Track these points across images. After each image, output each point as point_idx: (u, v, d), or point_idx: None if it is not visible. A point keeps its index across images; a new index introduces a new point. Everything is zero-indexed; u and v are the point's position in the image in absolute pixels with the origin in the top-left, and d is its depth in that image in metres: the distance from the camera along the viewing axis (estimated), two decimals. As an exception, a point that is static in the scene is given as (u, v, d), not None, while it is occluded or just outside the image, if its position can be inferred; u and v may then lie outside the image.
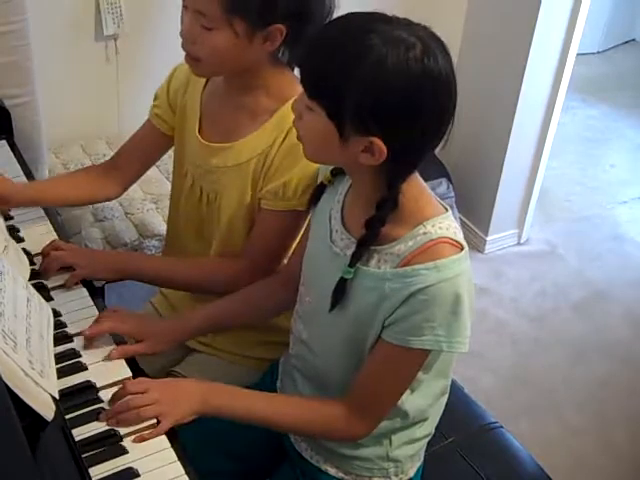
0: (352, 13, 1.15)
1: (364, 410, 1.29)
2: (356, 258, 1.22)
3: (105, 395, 1.26)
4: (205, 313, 1.51)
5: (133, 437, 1.20)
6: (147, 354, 1.41)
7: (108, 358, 1.34)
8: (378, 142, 1.11)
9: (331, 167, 1.35)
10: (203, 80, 1.59)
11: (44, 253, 1.51)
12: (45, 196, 1.66)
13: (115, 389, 1.27)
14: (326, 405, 1.31)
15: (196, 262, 1.64)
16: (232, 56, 1.42)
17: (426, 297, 1.17)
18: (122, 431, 1.20)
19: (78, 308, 1.43)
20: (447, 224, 1.21)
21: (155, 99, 1.66)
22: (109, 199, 1.77)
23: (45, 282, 1.47)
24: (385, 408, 1.30)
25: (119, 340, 1.38)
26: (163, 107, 1.64)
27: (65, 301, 1.44)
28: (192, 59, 1.45)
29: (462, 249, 1.20)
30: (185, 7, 1.42)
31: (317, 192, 1.38)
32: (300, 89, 1.18)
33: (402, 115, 1.10)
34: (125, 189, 1.73)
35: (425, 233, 1.19)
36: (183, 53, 1.63)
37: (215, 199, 1.57)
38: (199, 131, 1.58)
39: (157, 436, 1.20)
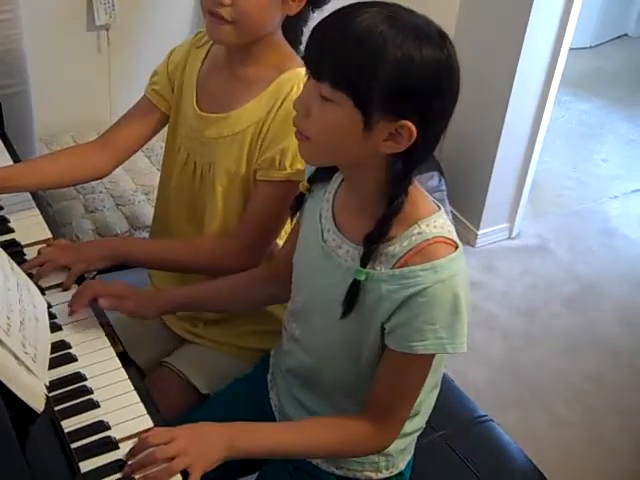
0: (351, 4, 1.14)
1: (385, 420, 1.28)
2: (367, 257, 1.20)
3: (95, 384, 1.26)
4: (188, 290, 1.52)
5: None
6: (130, 313, 1.42)
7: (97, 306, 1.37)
8: (408, 124, 1.11)
9: (309, 176, 1.34)
10: (201, 57, 1.61)
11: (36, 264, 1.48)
12: (21, 175, 1.60)
13: (104, 381, 1.27)
14: (349, 423, 1.29)
15: (185, 240, 1.65)
16: (265, 15, 1.45)
17: (425, 299, 1.16)
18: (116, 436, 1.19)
19: (66, 300, 1.42)
20: (441, 223, 1.21)
21: (153, 76, 1.67)
22: (99, 177, 1.73)
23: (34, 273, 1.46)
24: (403, 414, 1.30)
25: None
26: (162, 83, 1.64)
27: (53, 292, 1.44)
28: (224, 22, 1.43)
29: (457, 248, 1.20)
30: None
31: (297, 202, 1.37)
32: (296, 64, 1.16)
33: (432, 92, 1.11)
34: (115, 166, 1.70)
35: (420, 233, 1.18)
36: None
37: (209, 170, 1.57)
38: (196, 104, 1.58)
39: None
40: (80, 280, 1.48)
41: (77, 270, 1.48)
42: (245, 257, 1.54)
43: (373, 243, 1.19)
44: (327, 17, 1.16)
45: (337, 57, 1.11)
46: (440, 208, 1.25)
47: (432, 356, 1.23)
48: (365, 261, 1.20)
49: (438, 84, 1.11)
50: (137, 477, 1.14)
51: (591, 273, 3.10)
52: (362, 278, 1.20)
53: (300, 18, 1.53)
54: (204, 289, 1.53)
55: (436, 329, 1.17)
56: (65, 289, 1.45)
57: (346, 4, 1.14)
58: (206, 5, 1.45)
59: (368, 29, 1.08)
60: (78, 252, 1.52)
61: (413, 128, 1.11)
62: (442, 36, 1.13)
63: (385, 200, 1.18)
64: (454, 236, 1.21)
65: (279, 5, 1.45)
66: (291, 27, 1.55)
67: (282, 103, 1.48)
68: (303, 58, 1.17)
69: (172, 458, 1.15)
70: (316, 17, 1.47)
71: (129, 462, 1.16)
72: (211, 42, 1.60)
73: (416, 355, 1.20)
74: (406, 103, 1.10)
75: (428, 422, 1.46)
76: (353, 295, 1.22)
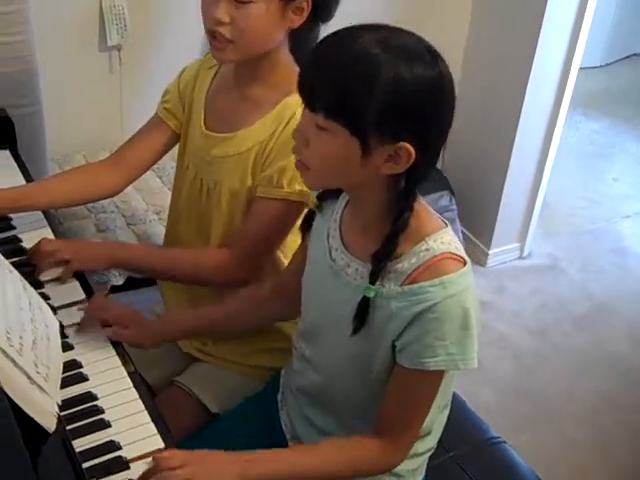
0: (342, 29, 1.15)
1: (396, 437, 1.27)
2: (375, 275, 1.20)
3: (106, 403, 1.26)
4: (194, 317, 1.52)
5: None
6: (134, 344, 1.42)
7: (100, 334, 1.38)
8: (406, 145, 1.11)
9: (317, 193, 1.35)
10: (210, 77, 1.63)
11: (34, 252, 1.50)
12: (33, 195, 1.61)
13: (115, 401, 1.27)
14: (360, 442, 1.28)
15: (184, 250, 1.67)
16: (266, 31, 1.46)
17: (435, 315, 1.16)
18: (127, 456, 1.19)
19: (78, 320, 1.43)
20: (448, 239, 1.21)
21: (165, 95, 1.68)
22: (110, 195, 1.74)
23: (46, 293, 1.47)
24: (414, 431, 1.29)
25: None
26: (173, 102, 1.66)
27: (65, 312, 1.44)
28: (225, 41, 1.46)
29: (465, 263, 1.20)
30: None
31: (307, 219, 1.38)
32: None
33: (426, 112, 1.11)
34: (126, 185, 1.71)
35: (427, 249, 1.19)
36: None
37: (215, 188, 1.59)
38: (204, 123, 1.60)
39: None
40: (82, 280, 1.50)
41: (72, 268, 1.49)
42: (239, 268, 1.55)
43: (381, 260, 1.19)
44: (317, 47, 1.17)
45: (328, 88, 1.11)
46: (447, 224, 1.25)
47: (443, 372, 1.23)
48: (374, 278, 1.20)
49: (432, 102, 1.11)
50: None
51: (603, 292, 3.08)
52: (371, 295, 1.21)
53: (310, 34, 1.54)
54: (211, 314, 1.53)
55: (447, 345, 1.17)
56: (62, 282, 1.48)
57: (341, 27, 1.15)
58: (207, 28, 1.47)
59: (358, 55, 1.09)
60: (76, 248, 1.54)
61: (411, 149, 1.11)
62: (432, 54, 1.12)
63: (390, 218, 1.19)
64: (462, 252, 1.21)
65: (279, 19, 1.45)
66: (302, 44, 1.54)
67: (285, 125, 1.50)
68: (298, 89, 1.17)
69: None
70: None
71: None
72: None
73: (427, 371, 1.20)
74: (401, 125, 1.11)
75: (440, 442, 1.46)
76: (363, 312, 1.22)
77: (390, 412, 1.27)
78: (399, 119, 1.10)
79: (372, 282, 1.21)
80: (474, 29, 2.94)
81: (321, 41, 1.16)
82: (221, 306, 1.56)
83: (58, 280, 1.49)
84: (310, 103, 1.14)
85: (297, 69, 1.52)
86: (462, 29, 2.94)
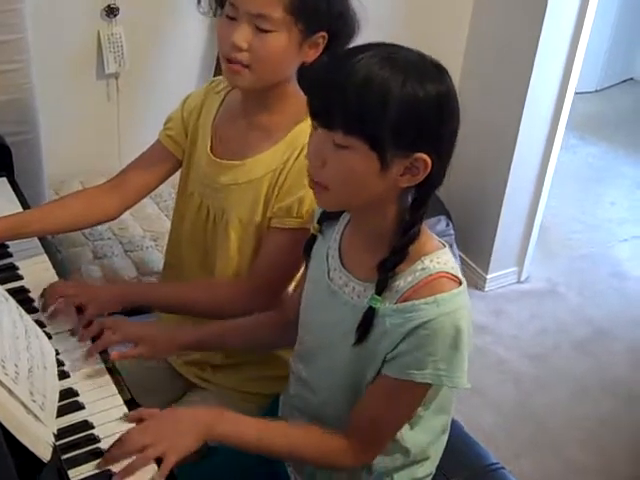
0: (342, 52, 1.18)
1: (364, 442, 1.28)
2: (382, 284, 1.21)
3: (102, 432, 1.25)
4: (201, 330, 1.50)
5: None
6: (144, 357, 1.42)
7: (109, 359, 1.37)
8: (423, 156, 1.14)
9: (318, 217, 1.36)
10: (217, 104, 1.62)
11: (48, 290, 1.49)
12: (30, 222, 1.59)
13: (111, 429, 1.25)
14: (331, 435, 1.29)
15: (199, 283, 1.65)
16: (282, 61, 1.46)
17: (427, 332, 1.17)
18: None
19: (74, 347, 1.42)
20: (445, 259, 1.22)
21: (167, 122, 1.68)
22: (107, 220, 1.73)
23: (43, 320, 1.46)
24: (386, 439, 1.30)
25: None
26: (176, 129, 1.65)
27: (61, 339, 1.43)
28: (241, 67, 1.45)
29: (460, 283, 1.21)
30: (231, 18, 1.43)
31: (309, 243, 1.38)
32: None
33: (439, 122, 1.14)
34: (124, 210, 1.70)
35: (424, 268, 1.20)
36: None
37: (222, 217, 1.58)
38: (210, 150, 1.60)
39: (164, 476, 1.18)
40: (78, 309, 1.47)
41: (89, 314, 1.46)
42: (257, 300, 1.54)
43: (388, 270, 1.21)
44: (322, 66, 1.19)
45: (345, 104, 1.13)
46: (445, 246, 1.27)
47: (426, 388, 1.23)
48: (380, 288, 1.21)
49: (443, 113, 1.15)
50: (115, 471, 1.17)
51: (602, 316, 3.08)
52: (377, 305, 1.22)
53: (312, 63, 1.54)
54: (217, 328, 1.52)
55: (436, 360, 1.18)
56: (74, 333, 1.43)
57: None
58: (223, 52, 1.46)
59: (370, 73, 1.11)
60: (91, 293, 1.51)
61: (428, 159, 1.14)
62: (439, 68, 1.17)
63: (398, 232, 1.20)
64: (458, 272, 1.23)
65: (296, 52, 1.46)
66: (302, 71, 1.55)
67: (299, 153, 1.49)
68: (309, 109, 1.18)
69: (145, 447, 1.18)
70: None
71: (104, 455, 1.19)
72: (227, 90, 1.62)
73: (412, 382, 1.20)
74: (417, 137, 1.13)
75: (439, 468, 1.45)
76: (368, 323, 1.23)
77: (364, 415, 1.27)
78: (415, 132, 1.13)
79: (379, 292, 1.22)
80: (469, 55, 2.96)
81: (324, 64, 1.18)
82: (227, 322, 1.52)
83: (71, 332, 1.45)
84: (327, 122, 1.16)
85: (304, 96, 1.53)
86: (458, 56, 2.96)
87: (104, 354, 1.40)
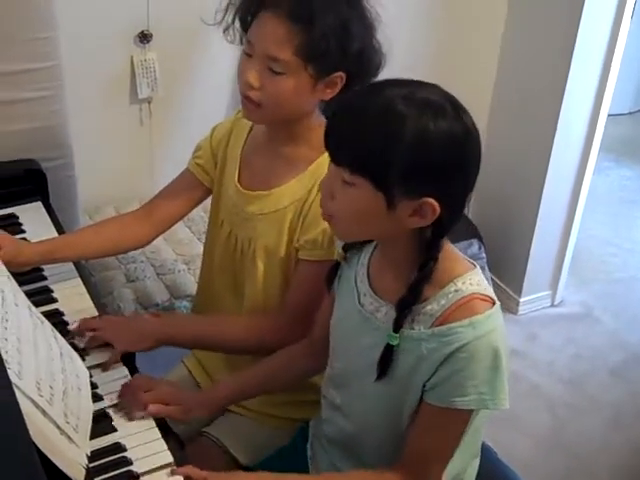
0: (368, 85, 1.18)
1: (419, 476, 1.26)
2: (400, 322, 1.21)
3: (134, 455, 1.25)
4: (233, 383, 1.50)
5: None
6: (177, 419, 1.41)
7: (143, 414, 1.34)
8: (430, 201, 1.12)
9: (342, 244, 1.36)
10: (245, 133, 1.63)
11: (80, 331, 1.49)
12: (64, 247, 1.61)
13: (144, 452, 1.26)
14: (380, 475, 1.27)
15: (232, 319, 1.64)
16: (294, 102, 1.46)
17: (465, 355, 1.16)
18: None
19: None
20: (477, 280, 1.22)
21: (197, 151, 1.69)
22: (140, 246, 1.75)
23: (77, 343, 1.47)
24: (439, 470, 1.28)
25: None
26: (205, 158, 1.66)
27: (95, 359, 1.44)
28: (253, 104, 1.46)
29: (494, 303, 1.20)
30: (248, 55, 1.45)
31: (333, 270, 1.38)
32: None
33: (451, 168, 1.12)
34: (156, 237, 1.72)
35: (457, 291, 1.19)
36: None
37: (249, 246, 1.58)
38: (238, 180, 1.60)
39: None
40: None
41: (119, 352, 1.46)
42: (295, 332, 1.53)
43: (405, 308, 1.20)
44: (342, 103, 1.19)
45: (353, 144, 1.13)
46: (475, 266, 1.25)
47: (471, 412, 1.22)
48: (398, 326, 1.21)
49: (456, 157, 1.13)
50: None
51: (637, 342, 3.03)
52: (395, 343, 1.22)
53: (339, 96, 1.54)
54: (249, 378, 1.51)
55: (477, 384, 1.17)
56: (104, 370, 1.43)
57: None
58: (239, 88, 1.48)
59: (381, 114, 1.11)
60: (121, 330, 1.51)
61: (435, 204, 1.12)
62: (455, 106, 1.14)
63: (418, 265, 1.19)
64: (490, 292, 1.22)
65: (309, 92, 1.45)
66: (325, 108, 1.54)
67: None
68: (324, 144, 1.19)
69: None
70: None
71: None
72: None
73: (456, 410, 1.19)
74: (425, 181, 1.12)
75: (473, 496, 1.42)
76: (386, 360, 1.23)
77: (414, 448, 1.25)
78: (423, 175, 1.12)
79: (396, 330, 1.21)
80: (501, 78, 2.95)
81: (347, 97, 1.18)
82: (258, 370, 1.52)
83: (102, 366, 1.44)
84: (336, 158, 1.17)
85: None
86: (489, 79, 2.96)
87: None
